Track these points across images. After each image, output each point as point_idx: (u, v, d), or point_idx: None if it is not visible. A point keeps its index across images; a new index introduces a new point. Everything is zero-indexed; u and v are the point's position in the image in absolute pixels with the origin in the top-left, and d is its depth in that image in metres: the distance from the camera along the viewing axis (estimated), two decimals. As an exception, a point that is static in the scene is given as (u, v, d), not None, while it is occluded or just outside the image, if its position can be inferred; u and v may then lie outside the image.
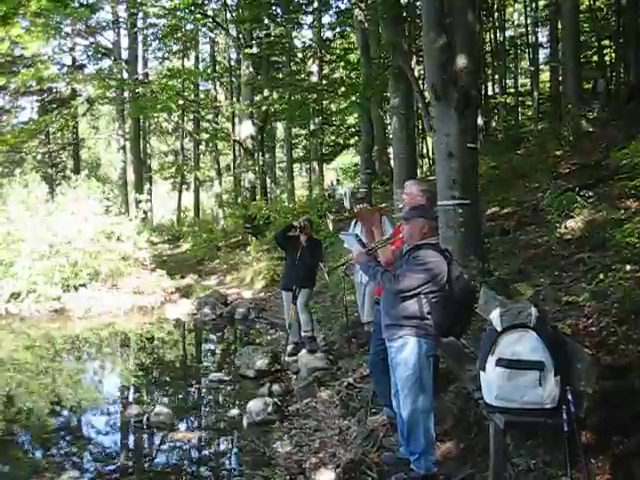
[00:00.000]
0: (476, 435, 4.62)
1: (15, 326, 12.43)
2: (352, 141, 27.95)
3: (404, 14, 12.20)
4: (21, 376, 8.94)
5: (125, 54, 27.56)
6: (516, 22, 26.58)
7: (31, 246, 14.38)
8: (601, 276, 5.68)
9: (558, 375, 3.67)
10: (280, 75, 25.31)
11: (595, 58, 20.48)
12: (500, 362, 3.77)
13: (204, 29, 23.90)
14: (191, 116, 29.19)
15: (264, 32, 22.44)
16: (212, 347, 11.54)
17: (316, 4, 21.04)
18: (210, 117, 27.67)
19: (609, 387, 4.11)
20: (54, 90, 29.01)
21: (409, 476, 4.34)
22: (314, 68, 24.17)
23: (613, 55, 20.02)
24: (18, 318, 12.96)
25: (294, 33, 23.72)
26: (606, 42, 20.40)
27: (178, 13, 21.65)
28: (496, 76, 25.24)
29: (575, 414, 3.54)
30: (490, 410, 3.86)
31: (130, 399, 7.92)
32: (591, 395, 3.66)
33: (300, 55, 26.26)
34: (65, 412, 7.34)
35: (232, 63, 28.87)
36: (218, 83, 30.67)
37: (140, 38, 28.82)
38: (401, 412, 4.36)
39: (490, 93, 24.81)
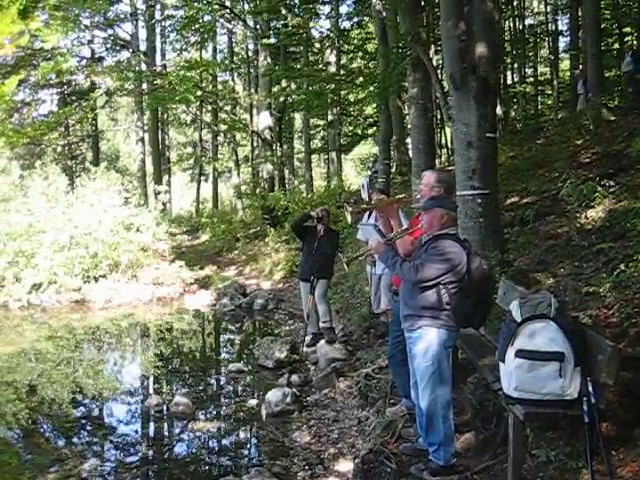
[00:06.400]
0: (495, 426, 4.60)
1: (37, 317, 12.57)
2: (370, 131, 27.85)
3: (422, 3, 12.10)
4: (43, 366, 9.05)
5: (143, 46, 27.68)
6: (536, 10, 26.33)
7: (52, 237, 14.52)
8: (622, 266, 5.60)
9: (578, 366, 3.64)
10: (298, 65, 25.27)
11: (616, 46, 20.21)
12: (520, 353, 3.74)
13: (221, 20, 23.91)
14: (209, 107, 29.25)
15: (281, 22, 22.45)
16: (231, 338, 11.59)
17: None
18: (228, 108, 27.73)
19: (630, 378, 4.07)
20: (73, 83, 29.24)
21: (428, 467, 4.34)
22: (332, 58, 24.05)
23: (635, 42, 19.73)
24: (39, 309, 13.11)
25: (311, 23, 23.63)
26: (627, 29, 20.12)
27: (195, 4, 21.68)
28: (515, 65, 25.00)
29: (596, 405, 3.52)
30: (509, 401, 3.84)
31: (150, 389, 8.00)
32: (612, 386, 3.63)
33: (318, 45, 26.14)
34: (86, 402, 7.41)
35: (250, 54, 28.90)
36: (236, 74, 30.70)
37: (158, 30, 28.97)
38: (420, 403, 4.35)
39: (509, 82, 24.59)
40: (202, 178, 36.84)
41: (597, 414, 3.50)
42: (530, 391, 3.72)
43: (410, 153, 15.64)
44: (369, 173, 17.41)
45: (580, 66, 18.00)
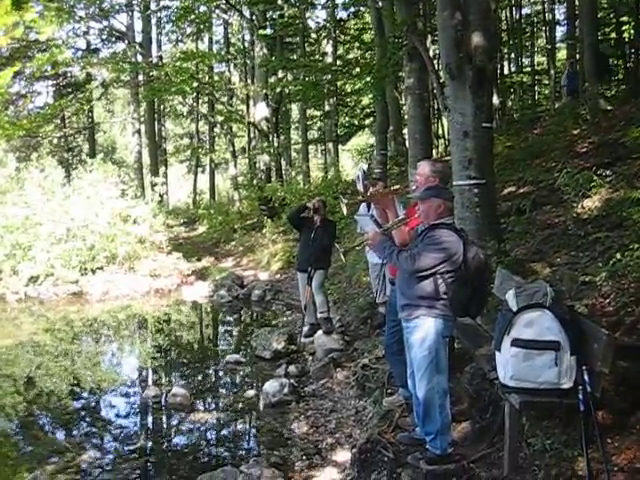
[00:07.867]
0: (492, 415, 4.62)
1: (34, 309, 12.59)
2: (367, 122, 27.77)
3: (418, -8, 12.05)
4: (41, 358, 9.08)
5: (139, 37, 27.54)
6: (532, -1, 26.20)
7: (49, 230, 14.52)
8: (618, 255, 5.60)
9: (574, 355, 3.65)
10: (294, 56, 25.14)
11: (613, 35, 20.12)
12: (516, 342, 3.76)
13: (217, 11, 23.75)
14: (205, 98, 29.16)
15: (278, 13, 22.26)
16: (229, 329, 11.62)
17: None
18: (224, 99, 27.62)
19: (626, 367, 4.09)
20: (69, 74, 29.11)
21: (425, 456, 4.35)
22: (328, 49, 23.95)
23: (632, 32, 19.65)
24: (37, 301, 13.12)
25: (308, 14, 23.54)
26: (625, 18, 20.04)
27: (191, -6, 21.56)
28: (512, 54, 24.93)
29: (591, 394, 3.54)
30: (506, 390, 3.86)
31: (148, 381, 8.01)
32: (607, 375, 3.64)
33: (314, 36, 26.06)
34: (84, 394, 7.45)
35: (246, 45, 28.80)
36: (232, 65, 30.56)
37: (154, 21, 28.81)
38: (417, 392, 4.36)
39: (506, 72, 24.51)
40: (199, 170, 36.81)
41: (592, 403, 3.52)
42: (526, 380, 3.74)
43: (407, 143, 15.60)
44: (364, 165, 17.28)
45: (571, 58, 17.96)
